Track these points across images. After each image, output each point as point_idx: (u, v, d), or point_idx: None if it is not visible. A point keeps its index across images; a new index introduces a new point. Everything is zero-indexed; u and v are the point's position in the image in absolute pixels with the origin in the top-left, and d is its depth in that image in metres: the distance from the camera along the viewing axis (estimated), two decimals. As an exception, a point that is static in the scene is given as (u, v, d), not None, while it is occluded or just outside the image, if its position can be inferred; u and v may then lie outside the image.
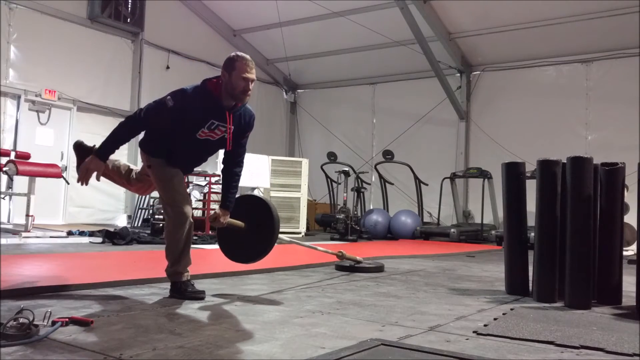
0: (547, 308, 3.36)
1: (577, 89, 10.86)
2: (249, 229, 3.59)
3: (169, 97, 3.16)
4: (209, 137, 3.26)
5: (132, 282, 3.68)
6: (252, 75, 3.20)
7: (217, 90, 3.22)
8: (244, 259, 3.76)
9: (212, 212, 3.55)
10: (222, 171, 3.47)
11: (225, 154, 3.43)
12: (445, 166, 11.73)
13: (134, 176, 3.60)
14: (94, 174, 3.14)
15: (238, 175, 3.49)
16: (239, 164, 3.48)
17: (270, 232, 3.55)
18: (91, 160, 3.09)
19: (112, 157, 3.51)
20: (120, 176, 3.60)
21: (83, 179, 3.07)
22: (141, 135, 3.41)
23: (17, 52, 9.35)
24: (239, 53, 3.26)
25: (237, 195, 3.56)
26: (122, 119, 3.31)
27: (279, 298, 3.42)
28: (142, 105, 10.35)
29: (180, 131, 3.22)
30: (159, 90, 8.69)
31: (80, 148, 3.52)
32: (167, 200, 3.31)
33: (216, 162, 10.06)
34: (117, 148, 3.16)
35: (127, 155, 10.58)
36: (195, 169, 3.77)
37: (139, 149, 3.44)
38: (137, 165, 3.71)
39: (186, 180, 8.66)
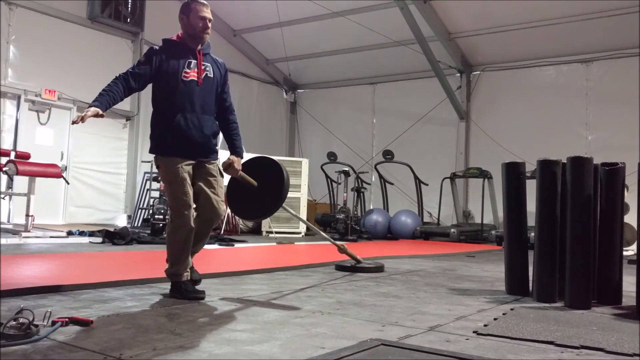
0: (547, 308, 3.36)
1: (577, 89, 10.86)
2: (259, 187, 3.66)
3: (141, 56, 3.43)
4: (193, 78, 3.36)
5: (132, 282, 3.68)
6: (208, 14, 3.41)
7: (180, 38, 3.45)
8: (252, 215, 3.85)
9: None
10: (220, 125, 3.56)
11: (217, 109, 3.50)
12: (445, 166, 11.73)
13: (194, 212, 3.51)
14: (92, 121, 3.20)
15: (235, 122, 3.61)
16: (231, 111, 3.60)
17: (278, 192, 3.62)
18: (89, 106, 3.15)
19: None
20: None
21: (78, 117, 3.07)
22: (148, 142, 3.47)
23: (16, 52, 9.35)
24: None
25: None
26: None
27: (278, 298, 3.42)
28: (143, 105, 10.52)
29: (166, 80, 3.32)
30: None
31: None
32: (170, 202, 3.36)
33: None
34: (109, 101, 3.21)
35: (126, 175, 10.61)
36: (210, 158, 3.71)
37: (142, 155, 3.47)
38: None
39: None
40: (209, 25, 3.42)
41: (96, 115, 3.11)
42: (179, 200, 3.27)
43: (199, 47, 3.43)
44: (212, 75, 3.44)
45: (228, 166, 3.51)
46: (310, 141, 14.35)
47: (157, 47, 3.43)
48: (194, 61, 3.39)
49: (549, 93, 11.15)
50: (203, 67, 3.41)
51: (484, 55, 11.78)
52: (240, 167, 3.54)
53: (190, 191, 3.32)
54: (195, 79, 3.37)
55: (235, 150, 3.56)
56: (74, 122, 3.11)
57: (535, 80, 11.36)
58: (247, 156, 3.73)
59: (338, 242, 4.90)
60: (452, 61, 11.67)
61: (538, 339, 2.47)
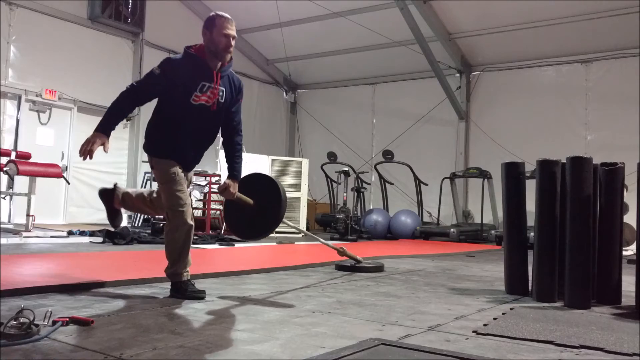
0: (546, 308, 3.36)
1: (577, 89, 10.87)
2: (257, 206, 3.61)
3: (156, 66, 3.25)
4: (203, 103, 3.28)
5: (133, 281, 3.68)
6: (233, 31, 3.26)
7: (201, 52, 3.29)
8: (249, 235, 3.81)
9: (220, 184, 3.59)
10: (223, 143, 3.52)
11: (223, 125, 3.46)
12: (445, 166, 11.74)
13: (155, 195, 3.60)
14: (100, 151, 3.15)
15: (239, 144, 3.53)
16: (238, 132, 3.52)
17: (276, 211, 3.58)
18: (94, 134, 3.11)
19: (132, 189, 3.67)
20: (145, 203, 3.65)
21: (85, 151, 3.03)
22: (143, 138, 3.46)
23: (17, 52, 9.35)
24: (218, 12, 3.33)
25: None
26: (123, 120, 3.35)
27: (279, 298, 3.43)
28: (143, 105, 10.52)
29: (174, 99, 3.25)
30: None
31: (105, 194, 3.71)
32: (167, 201, 3.33)
33: (216, 162, 10.07)
34: (116, 122, 3.20)
35: (127, 175, 10.65)
36: (196, 169, 3.77)
37: (142, 155, 3.47)
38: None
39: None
40: (233, 43, 3.26)
41: (102, 145, 3.09)
42: (177, 199, 3.27)
43: (218, 66, 3.29)
44: (223, 100, 3.34)
45: (224, 190, 3.47)
46: (310, 141, 14.36)
47: (174, 58, 3.28)
48: (208, 84, 3.25)
49: (549, 93, 11.16)
50: (215, 92, 3.28)
51: (484, 56, 11.78)
52: (236, 191, 3.48)
53: (187, 190, 3.35)
54: (205, 103, 3.28)
55: (233, 174, 3.48)
56: (82, 157, 3.05)
57: (535, 80, 11.36)
58: (246, 157, 3.73)
59: (336, 244, 4.88)
60: (451, 61, 11.67)
61: (537, 338, 2.48)
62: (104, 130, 3.13)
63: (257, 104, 13.74)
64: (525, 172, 4.04)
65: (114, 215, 3.79)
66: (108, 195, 3.74)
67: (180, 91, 3.22)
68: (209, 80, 3.27)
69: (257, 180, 3.75)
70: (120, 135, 10.70)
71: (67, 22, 10.01)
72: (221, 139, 3.56)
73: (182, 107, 3.25)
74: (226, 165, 3.56)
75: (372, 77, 13.35)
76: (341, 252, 4.81)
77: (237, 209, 3.68)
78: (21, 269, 4.13)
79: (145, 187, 10.43)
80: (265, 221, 3.62)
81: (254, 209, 3.61)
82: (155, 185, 3.70)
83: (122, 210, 3.85)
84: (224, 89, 3.34)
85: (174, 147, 3.32)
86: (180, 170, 3.34)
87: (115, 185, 3.78)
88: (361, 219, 10.48)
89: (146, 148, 3.42)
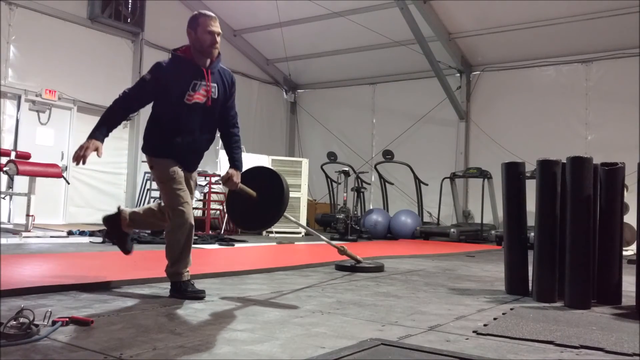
0: (546, 308, 3.36)
1: (577, 89, 10.87)
2: (259, 197, 3.64)
3: (146, 72, 3.31)
4: (197, 101, 3.29)
5: (132, 282, 3.68)
6: (217, 28, 3.31)
7: (188, 53, 3.34)
8: (252, 226, 3.86)
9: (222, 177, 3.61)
10: (221, 136, 3.56)
11: (219, 119, 3.48)
12: (445, 166, 11.74)
13: (162, 203, 3.59)
14: (94, 156, 3.15)
15: (237, 135, 3.57)
16: (234, 124, 3.56)
17: (278, 202, 3.61)
18: (87, 140, 3.13)
19: (137, 208, 3.69)
20: (155, 215, 3.59)
21: (79, 156, 3.06)
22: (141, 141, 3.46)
23: (16, 52, 9.35)
24: (201, 11, 3.39)
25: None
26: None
27: (278, 298, 3.43)
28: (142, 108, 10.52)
29: (168, 101, 3.26)
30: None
31: (109, 220, 3.67)
32: (167, 201, 3.33)
33: (216, 162, 10.07)
34: (110, 129, 3.23)
35: (126, 175, 10.61)
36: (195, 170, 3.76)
37: (142, 155, 3.47)
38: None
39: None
40: (218, 39, 3.30)
41: (96, 150, 3.09)
42: (177, 197, 3.28)
43: (207, 63, 3.33)
44: (216, 96, 3.36)
45: (227, 180, 3.49)
46: (310, 141, 14.36)
47: (163, 63, 3.30)
48: (199, 82, 3.28)
49: (549, 93, 11.15)
50: (207, 89, 3.32)
51: (484, 56, 11.78)
52: (239, 181, 3.50)
53: (186, 188, 3.36)
54: (199, 101, 3.30)
55: (235, 164, 3.50)
56: (75, 162, 3.07)
57: (535, 80, 11.36)
58: (246, 156, 3.74)
59: (337, 244, 4.90)
60: (452, 61, 11.67)
61: (538, 338, 2.48)
62: (97, 136, 3.15)
63: (257, 104, 13.74)
64: (525, 172, 4.04)
65: (123, 240, 3.70)
66: (113, 220, 3.67)
67: (173, 92, 3.25)
68: (200, 78, 3.31)
69: (258, 173, 3.80)
70: (120, 135, 10.70)
71: (67, 22, 10.00)
72: (220, 140, 3.57)
73: (177, 108, 3.27)
74: (227, 158, 3.59)
75: (372, 77, 13.35)
76: (342, 251, 4.82)
77: (240, 202, 3.70)
78: (21, 269, 4.13)
79: (145, 186, 10.42)
80: (269, 211, 3.65)
81: (257, 201, 3.64)
82: (155, 185, 3.69)
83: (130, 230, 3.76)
84: (215, 84, 3.37)
85: (173, 148, 3.33)
86: (179, 169, 3.35)
87: (119, 208, 3.72)
88: (361, 219, 10.48)
89: (144, 149, 3.43)
